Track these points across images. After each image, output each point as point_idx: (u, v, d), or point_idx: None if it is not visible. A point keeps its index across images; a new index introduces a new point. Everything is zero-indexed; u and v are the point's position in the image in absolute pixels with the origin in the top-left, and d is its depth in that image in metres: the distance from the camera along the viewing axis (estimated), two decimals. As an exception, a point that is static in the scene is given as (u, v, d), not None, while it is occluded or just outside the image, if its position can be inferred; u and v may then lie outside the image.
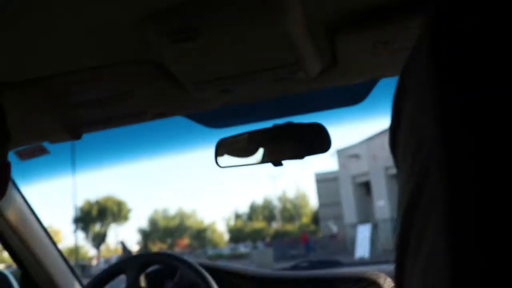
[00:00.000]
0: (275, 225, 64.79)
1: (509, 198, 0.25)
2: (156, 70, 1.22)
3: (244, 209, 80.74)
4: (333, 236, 37.01)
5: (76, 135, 1.42)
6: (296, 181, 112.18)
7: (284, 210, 66.21)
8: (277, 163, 1.44)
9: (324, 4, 1.01)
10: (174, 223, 67.82)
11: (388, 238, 27.13)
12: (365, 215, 31.18)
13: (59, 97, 1.30)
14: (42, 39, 1.00)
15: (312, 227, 56.87)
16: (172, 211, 71.27)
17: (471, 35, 0.29)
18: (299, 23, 1.01)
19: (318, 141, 1.40)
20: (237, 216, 70.26)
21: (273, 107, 1.51)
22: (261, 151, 1.46)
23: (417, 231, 0.29)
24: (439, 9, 0.31)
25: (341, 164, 33.09)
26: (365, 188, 31.77)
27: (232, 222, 70.08)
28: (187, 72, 1.16)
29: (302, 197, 66.84)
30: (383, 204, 28.74)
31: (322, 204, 42.73)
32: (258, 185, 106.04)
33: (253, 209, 69.14)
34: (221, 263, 1.78)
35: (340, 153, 32.05)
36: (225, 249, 53.42)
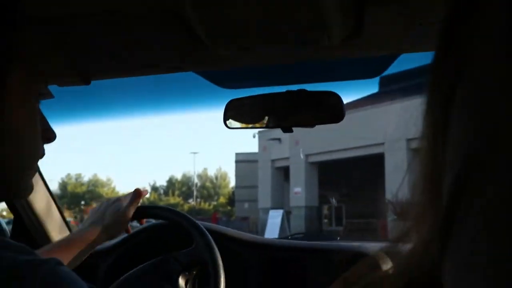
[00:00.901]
0: (192, 203, 64.67)
1: None
2: (176, 21, 1.18)
3: (162, 182, 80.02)
4: (244, 218, 37.38)
5: (85, 80, 1.38)
6: (218, 159, 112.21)
7: (203, 188, 66.13)
8: (287, 129, 1.44)
9: None
10: (84, 189, 66.40)
11: (300, 225, 27.58)
12: (281, 200, 31.54)
13: (73, 38, 1.25)
14: None
15: (228, 208, 57.15)
16: (86, 177, 69.75)
17: None
18: None
19: (331, 110, 1.40)
20: (154, 189, 69.61)
21: (287, 73, 1.50)
22: (271, 116, 1.45)
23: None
24: None
25: (262, 147, 33.14)
26: (284, 173, 32.04)
27: (147, 195, 69.15)
28: (207, 25, 1.14)
29: (223, 177, 66.93)
30: (300, 191, 29.11)
31: (238, 186, 42.91)
32: (178, 160, 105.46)
33: (172, 183, 68.68)
34: (218, 226, 1.76)
35: (262, 134, 31.83)
36: (134, 221, 52.71)
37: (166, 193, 68.43)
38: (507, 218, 0.25)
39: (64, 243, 1.41)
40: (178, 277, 1.47)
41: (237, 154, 43.53)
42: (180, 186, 67.97)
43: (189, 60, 1.38)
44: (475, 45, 0.30)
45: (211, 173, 69.88)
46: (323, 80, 1.49)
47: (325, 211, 31.98)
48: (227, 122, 1.45)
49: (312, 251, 1.65)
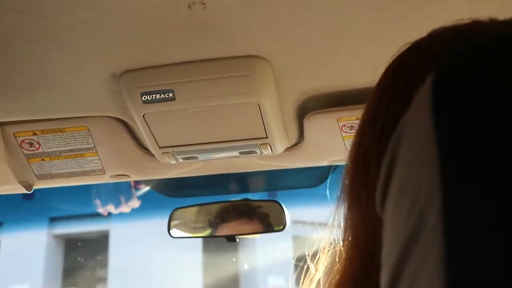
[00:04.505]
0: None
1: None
2: (123, 129, 1.20)
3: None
4: None
5: (28, 187, 1.35)
6: None
7: None
8: (231, 238, 1.44)
9: (296, 85, 1.06)
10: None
11: None
12: None
13: (16, 145, 1.24)
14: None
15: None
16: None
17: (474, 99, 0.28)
18: (273, 99, 1.05)
19: (274, 219, 1.42)
20: None
21: (231, 183, 1.52)
22: (215, 225, 1.45)
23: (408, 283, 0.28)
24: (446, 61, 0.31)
25: None
26: None
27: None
28: (154, 135, 1.15)
29: None
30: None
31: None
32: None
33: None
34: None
35: None
36: None
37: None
38: None
39: None
40: None
41: None
42: None
43: (136, 168, 1.37)
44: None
45: None
46: (267, 190, 1.52)
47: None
48: (171, 231, 1.44)
49: None
